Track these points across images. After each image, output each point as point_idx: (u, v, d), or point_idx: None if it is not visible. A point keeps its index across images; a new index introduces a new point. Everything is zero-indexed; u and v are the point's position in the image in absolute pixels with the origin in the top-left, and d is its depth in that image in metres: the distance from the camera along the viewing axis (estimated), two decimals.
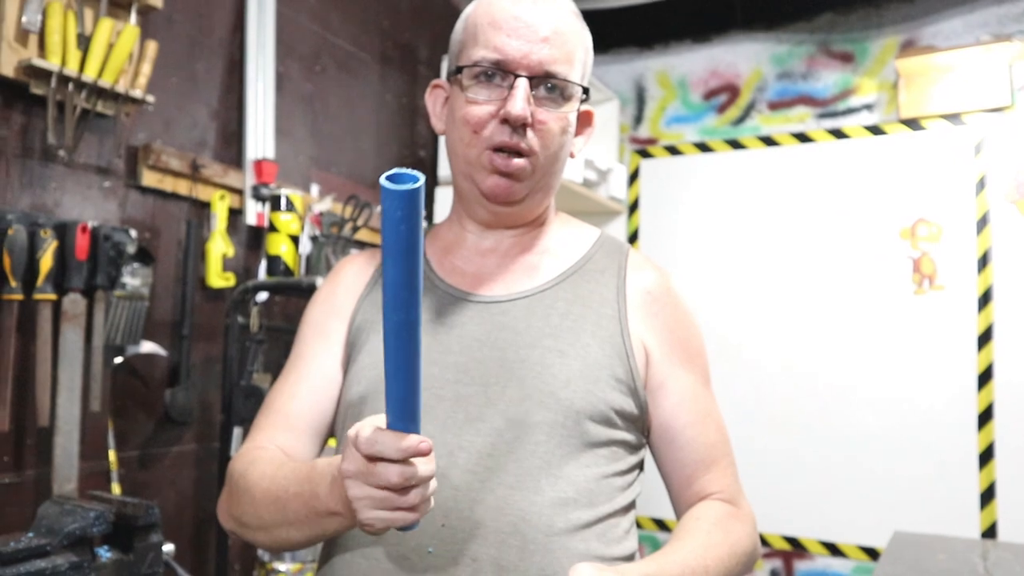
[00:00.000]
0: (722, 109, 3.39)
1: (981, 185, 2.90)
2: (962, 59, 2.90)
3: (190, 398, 2.09)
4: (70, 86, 1.74)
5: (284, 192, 2.13)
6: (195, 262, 2.12)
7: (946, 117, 2.95)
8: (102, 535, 1.22)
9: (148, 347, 1.97)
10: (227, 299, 2.23)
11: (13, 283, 1.66)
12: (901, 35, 3.07)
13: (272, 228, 2.10)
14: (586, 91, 1.05)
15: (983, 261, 2.89)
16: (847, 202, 3.10)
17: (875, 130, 3.08)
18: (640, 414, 1.04)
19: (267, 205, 2.25)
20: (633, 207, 3.49)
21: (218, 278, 2.17)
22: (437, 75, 3.13)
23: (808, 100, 3.24)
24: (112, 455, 1.93)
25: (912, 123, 3.01)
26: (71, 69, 1.72)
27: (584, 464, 0.98)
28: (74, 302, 1.75)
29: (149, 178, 2.03)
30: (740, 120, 3.35)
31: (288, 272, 2.08)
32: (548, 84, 1.00)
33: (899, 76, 3.01)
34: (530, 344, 1.01)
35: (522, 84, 0.98)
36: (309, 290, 1.93)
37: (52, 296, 1.71)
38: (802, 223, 3.16)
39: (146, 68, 1.88)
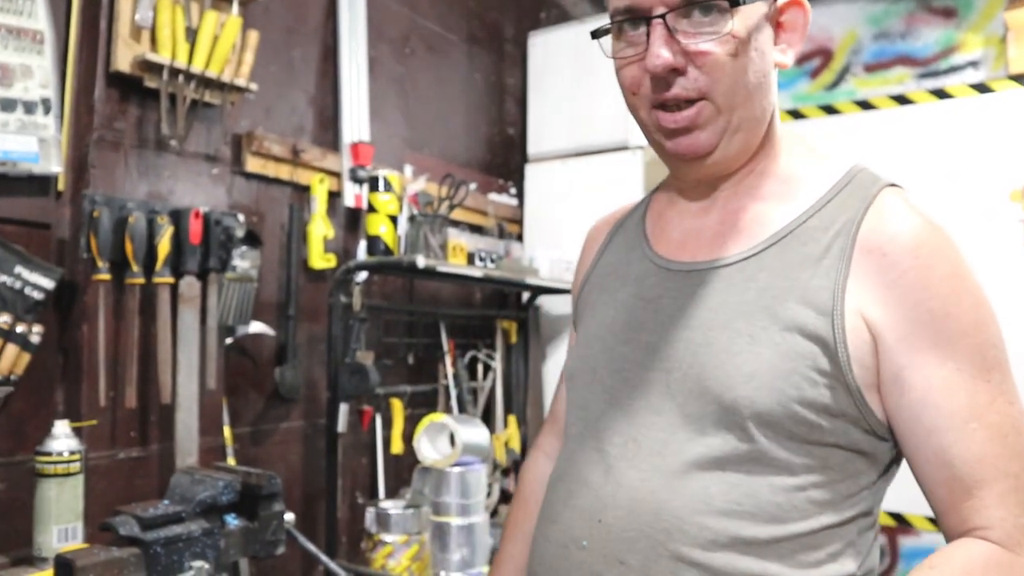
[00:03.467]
0: (815, 74, 3.30)
1: None
2: None
3: (297, 376, 2.17)
4: (180, 78, 1.81)
5: (382, 173, 2.18)
6: (298, 244, 2.19)
7: None
8: (230, 503, 1.29)
9: (257, 327, 2.05)
10: (329, 279, 2.30)
11: (135, 268, 1.75)
12: None
13: (371, 209, 2.15)
14: None
15: None
16: (951, 165, 2.98)
17: (981, 88, 2.95)
18: (860, 413, 0.83)
19: (365, 187, 2.30)
20: None
21: (320, 259, 2.23)
22: (523, 53, 3.14)
23: (907, 60, 3.12)
24: (227, 431, 2.02)
25: (1022, 79, 2.87)
26: (181, 62, 1.80)
27: (767, 472, 0.82)
28: (190, 285, 1.83)
29: (253, 164, 2.10)
30: (834, 85, 3.26)
31: (388, 251, 2.13)
32: (692, 9, 0.83)
33: (1007, 29, 2.87)
34: (722, 325, 0.86)
35: (657, 28, 0.83)
36: (410, 268, 1.98)
37: (170, 279, 1.80)
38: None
39: (248, 57, 1.94)
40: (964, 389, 0.81)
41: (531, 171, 2.99)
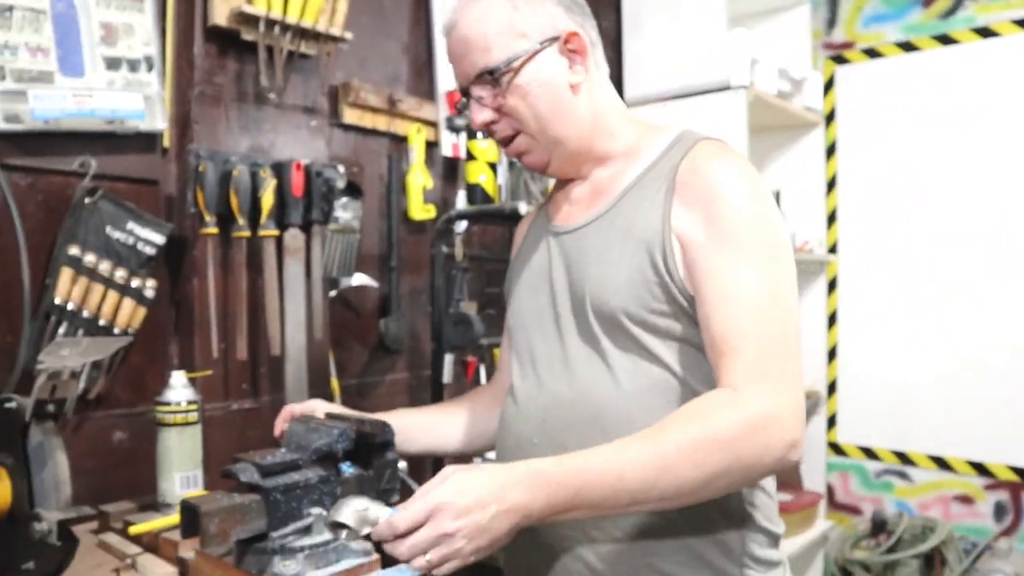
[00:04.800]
0: (928, 2, 3.09)
1: None
2: None
3: (401, 327, 2.17)
4: (276, 29, 1.80)
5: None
6: (398, 196, 2.17)
7: None
8: (345, 451, 1.29)
9: (360, 279, 2.05)
10: (428, 230, 2.28)
11: (240, 221, 1.76)
12: None
13: (470, 157, 2.12)
14: (542, 44, 1.14)
15: None
16: None
17: None
18: (688, 304, 1.07)
19: (462, 135, 2.27)
20: (829, 119, 3.27)
21: (419, 210, 2.22)
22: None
23: None
24: (334, 382, 2.03)
25: None
26: (276, 12, 1.78)
27: (652, 356, 1.09)
28: (294, 237, 1.84)
29: (350, 115, 2.09)
30: (951, 12, 3.04)
31: (487, 199, 2.09)
32: (487, 82, 1.14)
33: None
34: (596, 260, 1.15)
35: (472, 100, 1.17)
36: (512, 216, 1.94)
37: (275, 232, 1.81)
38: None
39: (342, 6, 1.92)
40: (731, 271, 1.03)
41: None
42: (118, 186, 1.70)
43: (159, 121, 1.70)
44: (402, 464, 1.42)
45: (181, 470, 1.50)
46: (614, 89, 1.24)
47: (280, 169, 1.82)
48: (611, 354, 1.12)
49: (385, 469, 1.35)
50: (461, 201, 2.35)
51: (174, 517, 1.43)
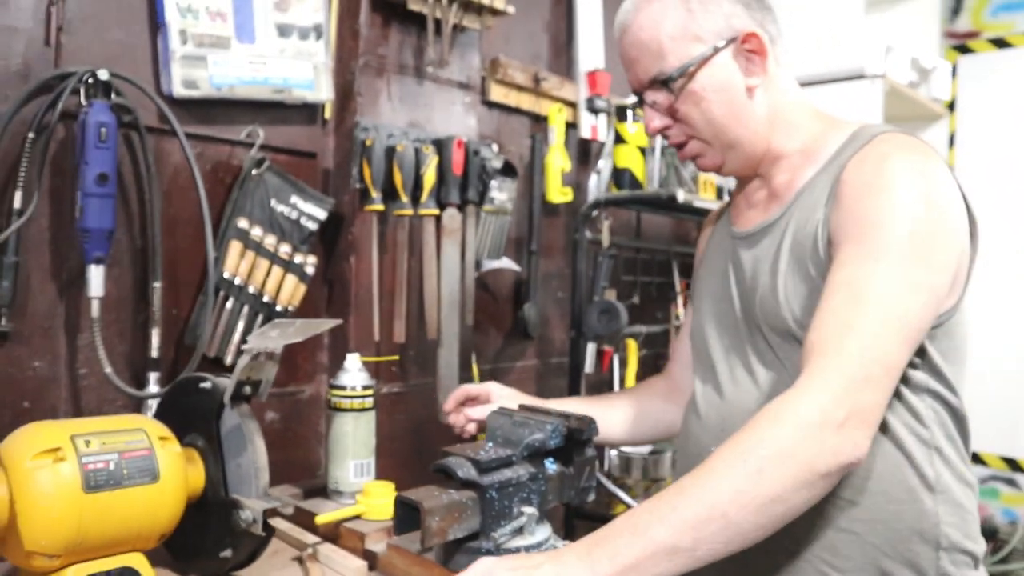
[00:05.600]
0: None
1: None
2: None
3: (539, 313, 2.10)
4: (443, 0, 1.72)
5: (631, 103, 2.05)
6: (540, 177, 2.10)
7: None
8: (556, 447, 1.22)
9: (505, 262, 1.98)
10: (563, 213, 2.21)
11: (404, 198, 1.69)
12: None
13: (619, 140, 2.03)
14: (716, 48, 1.11)
15: None
16: None
17: None
18: None
19: (601, 117, 2.19)
20: (950, 109, 3.14)
21: (557, 193, 2.14)
22: None
23: None
24: (475, 368, 1.97)
25: None
26: None
27: None
28: (452, 217, 1.77)
29: (496, 92, 2.01)
30: None
31: (636, 185, 2.01)
32: (663, 86, 1.12)
33: None
34: (767, 270, 1.12)
35: (645, 106, 1.17)
36: (669, 203, 1.86)
37: (435, 211, 1.74)
38: None
39: None
40: (852, 264, 0.97)
41: None
42: (279, 158, 1.64)
43: (325, 91, 1.63)
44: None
45: (356, 457, 1.45)
46: (795, 83, 1.19)
47: (441, 146, 1.75)
48: (788, 365, 1.08)
49: (585, 466, 1.28)
50: (593, 184, 2.27)
51: (356, 507, 1.38)
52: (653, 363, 2.42)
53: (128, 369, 1.46)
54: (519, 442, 1.21)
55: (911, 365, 1.01)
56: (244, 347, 1.17)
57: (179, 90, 1.46)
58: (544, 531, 1.21)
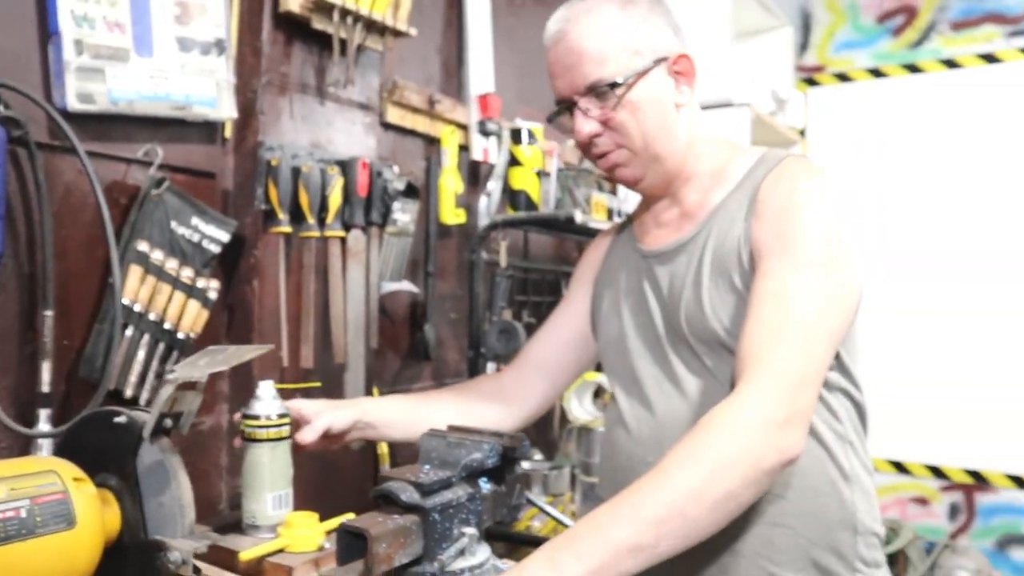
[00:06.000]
0: (898, 32, 3.26)
1: None
2: None
3: (437, 335, 2.10)
4: (348, 20, 1.71)
5: (526, 126, 2.09)
6: (435, 199, 2.10)
7: None
8: (492, 467, 1.22)
9: (405, 284, 1.97)
10: (458, 235, 2.22)
11: (310, 220, 1.65)
12: None
13: (515, 163, 2.07)
14: (655, 62, 1.15)
15: None
16: None
17: None
18: None
19: (491, 139, 2.22)
20: (802, 135, 3.39)
21: (451, 215, 2.15)
22: None
23: (997, 18, 3.09)
24: (375, 392, 1.94)
25: None
26: (351, 2, 1.69)
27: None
28: (357, 239, 1.75)
29: (392, 114, 2.00)
30: (918, 43, 3.22)
31: (532, 206, 2.05)
32: (596, 93, 1.14)
33: None
34: (689, 284, 1.17)
35: (576, 111, 1.17)
36: (567, 224, 1.90)
37: (342, 233, 1.71)
38: (987, 150, 3.05)
39: (406, 0, 1.84)
40: (778, 275, 1.04)
41: None
42: (177, 178, 1.57)
43: (228, 109, 1.58)
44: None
45: (274, 489, 1.38)
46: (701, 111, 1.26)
47: (345, 167, 1.72)
48: (717, 373, 1.13)
49: (515, 484, 1.29)
50: (484, 206, 2.30)
51: (279, 540, 1.32)
52: None
53: (14, 406, 1.35)
54: (456, 463, 1.20)
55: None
56: (169, 376, 1.11)
57: (74, 104, 1.36)
58: (484, 551, 1.20)
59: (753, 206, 1.12)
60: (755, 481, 0.94)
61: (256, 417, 1.36)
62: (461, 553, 1.16)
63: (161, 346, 1.48)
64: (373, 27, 1.77)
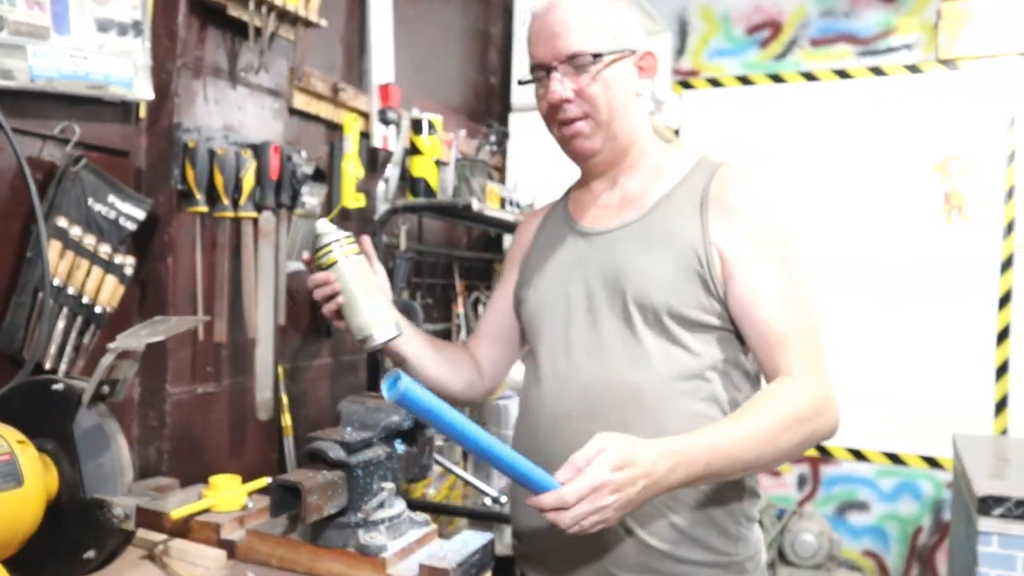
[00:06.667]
0: (765, 44, 3.54)
1: (1011, 123, 3.14)
2: (1001, 5, 3.12)
3: None
4: (263, 9, 1.78)
5: (426, 117, 2.21)
6: (338, 183, 2.19)
7: (981, 59, 3.17)
8: (408, 429, 1.35)
9: None
10: (357, 219, 2.31)
11: (225, 201, 1.72)
12: None
13: (415, 151, 2.18)
14: (629, 51, 1.29)
15: (1009, 194, 3.16)
16: (884, 137, 3.32)
17: (913, 69, 3.29)
18: (719, 305, 1.26)
19: (391, 128, 2.32)
20: (677, 135, 3.64)
21: (352, 199, 2.24)
22: (508, 4, 3.19)
23: (849, 38, 3.41)
24: (280, 368, 2.02)
25: (949, 63, 3.23)
26: None
27: (680, 345, 1.26)
28: (268, 220, 1.82)
29: (299, 100, 2.08)
30: (782, 55, 3.51)
31: (431, 194, 2.17)
32: (575, 63, 1.26)
33: (940, 18, 3.21)
34: (629, 261, 1.30)
35: (554, 75, 1.28)
36: (464, 211, 2.03)
37: (254, 214, 1.78)
38: (840, 156, 3.37)
39: None
40: (776, 279, 1.24)
41: (515, 120, 3.07)
42: (91, 155, 1.60)
43: (144, 90, 1.62)
44: (438, 443, 1.50)
45: (367, 298, 1.30)
46: None
47: (258, 151, 1.79)
48: (647, 342, 1.27)
49: (425, 445, 1.42)
50: (381, 191, 2.40)
51: (205, 500, 1.40)
52: None
53: None
54: (376, 425, 1.32)
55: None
56: (111, 345, 1.18)
57: None
58: (400, 504, 1.33)
59: (704, 205, 1.28)
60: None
61: (326, 244, 1.31)
62: (381, 505, 1.29)
63: (79, 319, 1.52)
64: (286, 16, 1.84)
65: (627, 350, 1.28)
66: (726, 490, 1.29)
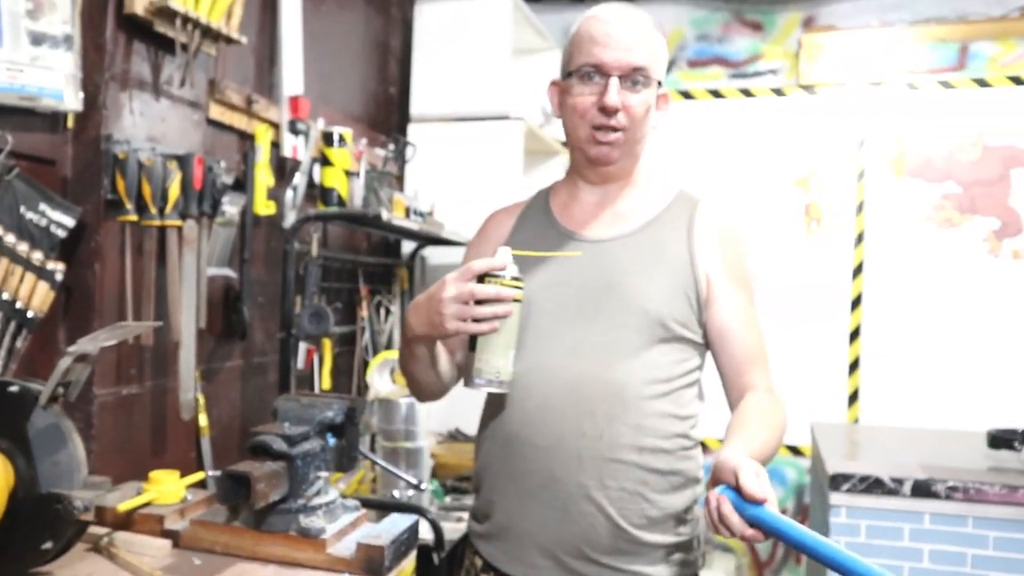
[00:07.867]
0: None
1: (860, 144, 3.52)
2: (853, 38, 3.49)
3: (250, 318, 2.28)
4: (189, 26, 1.86)
5: (337, 129, 2.32)
6: (251, 191, 2.28)
7: (836, 85, 3.54)
8: (339, 424, 1.48)
9: (226, 270, 2.13)
10: (266, 225, 2.41)
11: (152, 210, 1.80)
12: (803, 12, 3.61)
13: (326, 162, 2.29)
14: (660, 83, 1.43)
15: (859, 208, 3.53)
16: (752, 153, 3.64)
17: (777, 92, 3.62)
18: (698, 323, 1.41)
19: (300, 138, 2.43)
20: (564, 147, 3.86)
21: (263, 207, 2.33)
22: (407, 17, 3.32)
23: (722, 61, 3.72)
24: (197, 371, 2.10)
25: (808, 88, 3.58)
26: (192, 10, 1.85)
27: (662, 352, 1.38)
28: (191, 228, 1.91)
29: (215, 111, 2.16)
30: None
31: (342, 203, 2.29)
32: (633, 78, 1.37)
33: (801, 47, 3.56)
34: (624, 271, 1.40)
35: (614, 81, 1.36)
36: (374, 220, 2.16)
37: (179, 222, 1.86)
38: (712, 170, 3.67)
39: (238, 9, 2.02)
40: (748, 309, 1.43)
41: (414, 129, 3.21)
42: (20, 164, 1.65)
43: (74, 102, 1.69)
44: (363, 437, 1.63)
45: (513, 347, 1.32)
46: None
47: (183, 161, 1.88)
48: (636, 345, 1.37)
49: (354, 439, 1.56)
50: (289, 199, 2.50)
51: (147, 495, 1.48)
52: (347, 360, 2.70)
53: None
54: (311, 420, 1.45)
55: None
56: (69, 349, 1.26)
57: None
58: (334, 492, 1.47)
59: (691, 231, 1.43)
60: None
61: (519, 280, 1.31)
62: (318, 492, 1.43)
63: (12, 324, 1.58)
64: (209, 33, 1.93)
65: (617, 350, 1.37)
66: (687, 480, 1.41)
